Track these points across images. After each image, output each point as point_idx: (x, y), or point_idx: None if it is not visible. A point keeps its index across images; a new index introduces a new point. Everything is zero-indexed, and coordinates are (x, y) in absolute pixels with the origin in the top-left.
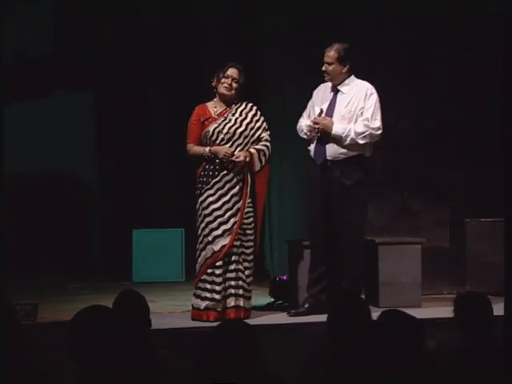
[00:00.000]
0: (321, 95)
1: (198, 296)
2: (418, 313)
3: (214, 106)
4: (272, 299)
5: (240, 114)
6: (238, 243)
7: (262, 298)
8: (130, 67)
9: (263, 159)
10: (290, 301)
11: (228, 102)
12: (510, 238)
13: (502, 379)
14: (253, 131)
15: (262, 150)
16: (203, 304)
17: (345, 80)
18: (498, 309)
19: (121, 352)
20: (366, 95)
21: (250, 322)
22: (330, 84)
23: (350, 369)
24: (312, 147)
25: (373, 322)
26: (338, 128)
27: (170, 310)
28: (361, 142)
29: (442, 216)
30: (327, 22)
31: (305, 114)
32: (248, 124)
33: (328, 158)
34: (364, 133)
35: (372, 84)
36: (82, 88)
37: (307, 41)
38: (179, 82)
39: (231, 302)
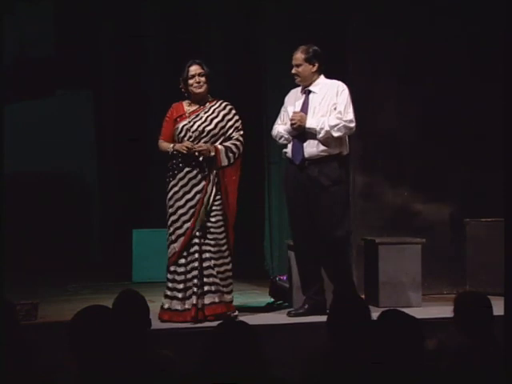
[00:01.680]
0: (292, 99)
1: (164, 295)
2: (418, 313)
3: (188, 104)
4: (272, 299)
5: (212, 112)
6: (204, 241)
7: (262, 297)
8: (129, 67)
9: (231, 156)
10: (290, 301)
11: (202, 100)
12: (510, 238)
13: (502, 379)
14: (223, 130)
15: (230, 148)
16: (166, 303)
17: (315, 80)
18: (498, 309)
19: (121, 352)
20: (338, 92)
21: (250, 321)
22: (300, 88)
23: (350, 369)
24: (289, 148)
25: (373, 321)
26: (311, 121)
27: None
28: (335, 134)
29: (442, 216)
30: (327, 22)
31: (279, 120)
32: (218, 123)
33: (306, 157)
34: (338, 125)
35: (372, 83)
36: (82, 88)
37: (307, 41)
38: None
39: (205, 300)
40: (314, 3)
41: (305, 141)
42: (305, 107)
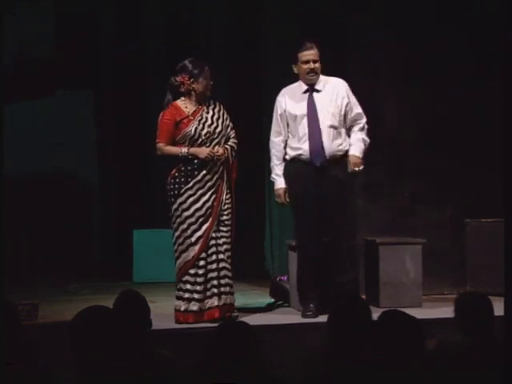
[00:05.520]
0: (291, 99)
1: (179, 298)
2: (419, 313)
3: (184, 106)
4: (272, 299)
5: (213, 113)
6: (220, 241)
7: (262, 298)
8: (129, 67)
9: (234, 155)
10: (290, 301)
11: (202, 100)
12: (510, 238)
13: (502, 379)
14: (226, 130)
15: (233, 147)
16: (183, 306)
17: (319, 77)
18: (498, 309)
19: (121, 352)
20: (347, 89)
21: (251, 322)
22: (295, 86)
23: (350, 369)
24: (304, 149)
25: (373, 322)
26: (357, 151)
27: (171, 311)
28: (367, 139)
29: (442, 216)
30: (327, 22)
31: (276, 127)
32: (222, 123)
33: (327, 157)
34: (364, 130)
35: (372, 83)
36: (82, 88)
37: (307, 41)
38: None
39: (216, 301)
40: (314, 3)
41: (323, 141)
42: (311, 108)
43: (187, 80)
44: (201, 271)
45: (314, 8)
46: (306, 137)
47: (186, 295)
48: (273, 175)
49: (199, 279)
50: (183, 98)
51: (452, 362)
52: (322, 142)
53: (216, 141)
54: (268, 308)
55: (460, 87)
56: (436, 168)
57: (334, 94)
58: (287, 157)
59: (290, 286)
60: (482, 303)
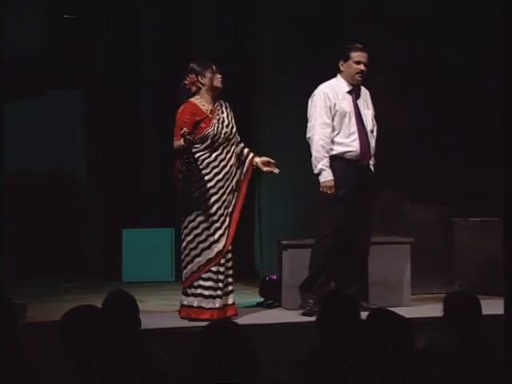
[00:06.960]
0: (339, 97)
1: (197, 295)
2: (408, 312)
3: (202, 104)
4: (262, 299)
5: (227, 113)
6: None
7: (252, 297)
8: (123, 66)
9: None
10: (280, 300)
11: (216, 97)
12: (510, 238)
13: (491, 378)
14: (235, 127)
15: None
16: (208, 303)
17: None
18: (486, 308)
19: (111, 352)
20: (370, 97)
21: (241, 321)
22: (335, 83)
23: (339, 368)
24: (355, 147)
25: (362, 321)
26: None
27: (160, 310)
28: None
29: (430, 216)
30: (327, 22)
31: (327, 119)
32: (234, 121)
33: (371, 157)
34: None
35: (372, 83)
36: (75, 87)
37: (306, 41)
38: (174, 82)
39: (231, 299)
40: (314, 3)
41: (370, 142)
42: (356, 108)
43: (195, 78)
44: (222, 269)
45: (314, 8)
46: (356, 135)
47: (207, 292)
48: (321, 166)
49: (221, 276)
50: (198, 97)
51: (441, 361)
52: (369, 143)
53: (232, 140)
54: (258, 307)
55: (458, 89)
56: (423, 168)
57: (366, 102)
58: (332, 152)
59: (280, 285)
60: (471, 302)
